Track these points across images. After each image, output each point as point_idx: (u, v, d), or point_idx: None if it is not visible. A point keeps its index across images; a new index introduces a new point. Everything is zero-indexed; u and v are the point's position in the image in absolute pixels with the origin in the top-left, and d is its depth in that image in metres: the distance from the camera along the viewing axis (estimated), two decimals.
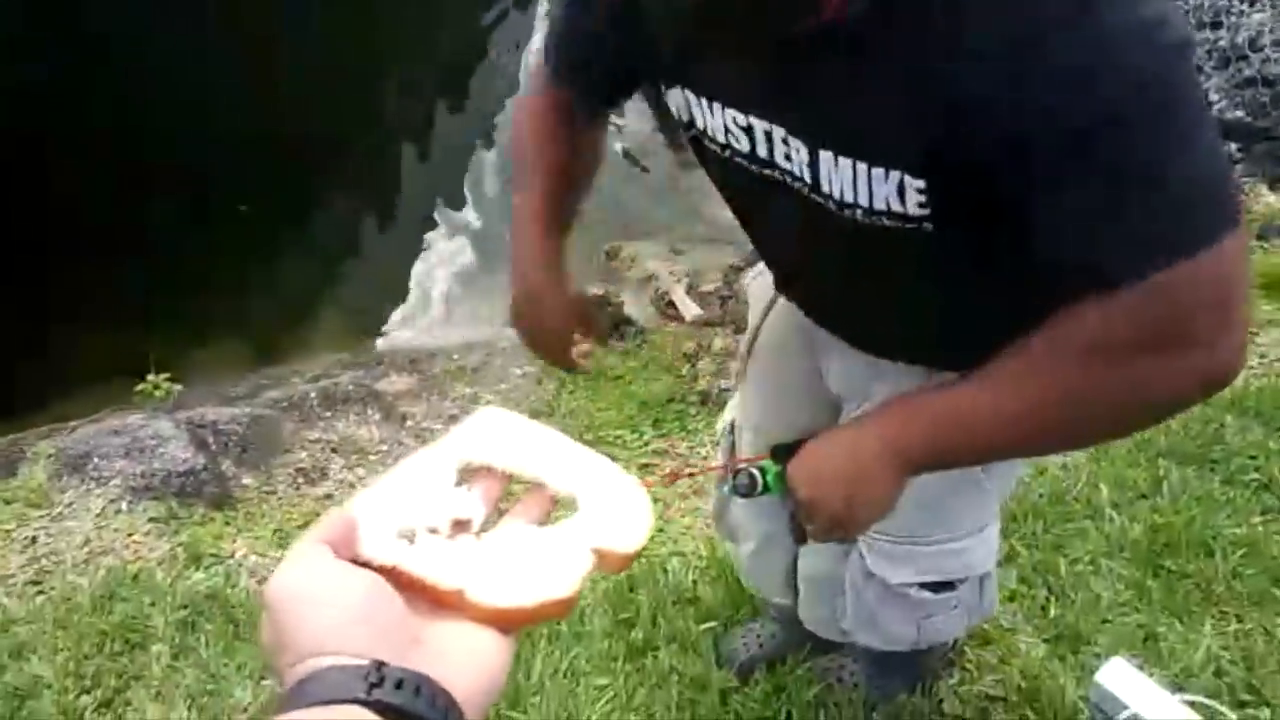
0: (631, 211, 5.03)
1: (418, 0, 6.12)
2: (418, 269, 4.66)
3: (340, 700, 0.42)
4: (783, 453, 1.45)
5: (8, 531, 2.30)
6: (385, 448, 2.99)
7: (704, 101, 0.98)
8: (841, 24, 0.80)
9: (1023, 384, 0.88)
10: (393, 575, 0.48)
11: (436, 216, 4.93)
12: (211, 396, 3.39)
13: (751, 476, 1.47)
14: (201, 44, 5.31)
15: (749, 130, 0.95)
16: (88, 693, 1.81)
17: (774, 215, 1.06)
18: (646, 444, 2.82)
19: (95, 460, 2.59)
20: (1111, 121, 0.76)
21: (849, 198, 0.90)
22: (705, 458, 2.64)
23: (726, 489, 1.54)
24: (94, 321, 4.04)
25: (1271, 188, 3.90)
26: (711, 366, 3.18)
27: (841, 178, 0.89)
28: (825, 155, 0.90)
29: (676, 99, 1.01)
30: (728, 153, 1.00)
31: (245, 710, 1.77)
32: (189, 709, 1.77)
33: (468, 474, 0.55)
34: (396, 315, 4.40)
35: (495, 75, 5.74)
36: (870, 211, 0.89)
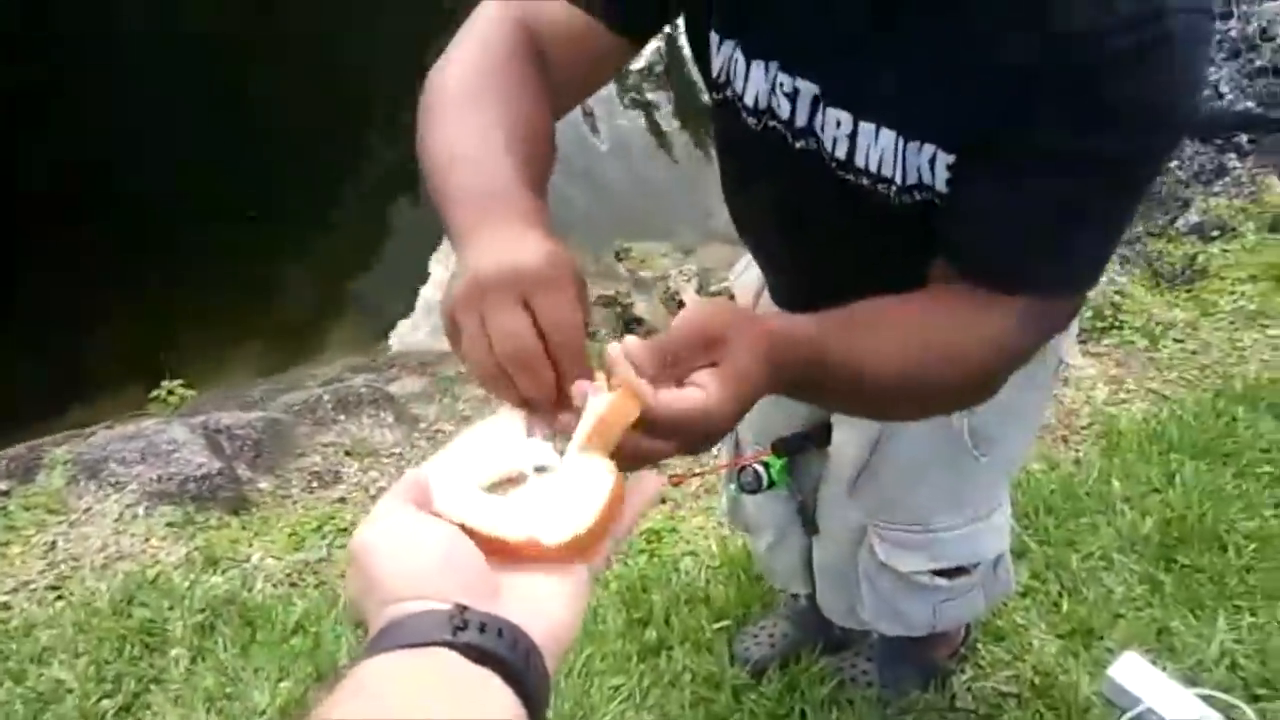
0: (640, 211, 5.04)
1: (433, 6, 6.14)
2: (428, 269, 4.67)
3: (427, 643, 0.44)
4: (783, 447, 1.46)
5: (27, 538, 2.33)
6: (399, 450, 3.00)
7: (758, 64, 0.94)
8: None
9: (895, 341, 0.85)
10: (468, 531, 0.51)
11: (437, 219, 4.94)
12: (225, 401, 3.42)
13: (756, 473, 1.49)
14: (213, 44, 5.33)
15: (793, 95, 0.93)
16: (109, 697, 1.83)
17: (791, 197, 1.04)
18: None
19: (112, 466, 2.61)
20: (1119, 149, 0.78)
21: (887, 172, 0.89)
22: (715, 456, 2.64)
23: (734, 486, 1.55)
24: (108, 329, 4.08)
25: None
26: None
27: (881, 150, 0.89)
28: (865, 126, 0.89)
29: (725, 53, 0.96)
30: (765, 119, 0.97)
31: (263, 713, 1.79)
32: (208, 712, 1.79)
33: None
34: (408, 317, 4.42)
35: None
36: (903, 188, 0.89)
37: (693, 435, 0.66)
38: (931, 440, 1.25)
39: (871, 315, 0.86)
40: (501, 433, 0.57)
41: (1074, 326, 1.23)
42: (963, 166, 0.85)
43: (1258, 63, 4.41)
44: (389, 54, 5.80)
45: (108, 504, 2.46)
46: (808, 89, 0.93)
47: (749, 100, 0.98)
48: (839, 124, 0.91)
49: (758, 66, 0.95)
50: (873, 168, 0.91)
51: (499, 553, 0.51)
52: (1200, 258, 3.24)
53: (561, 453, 0.59)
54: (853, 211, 0.94)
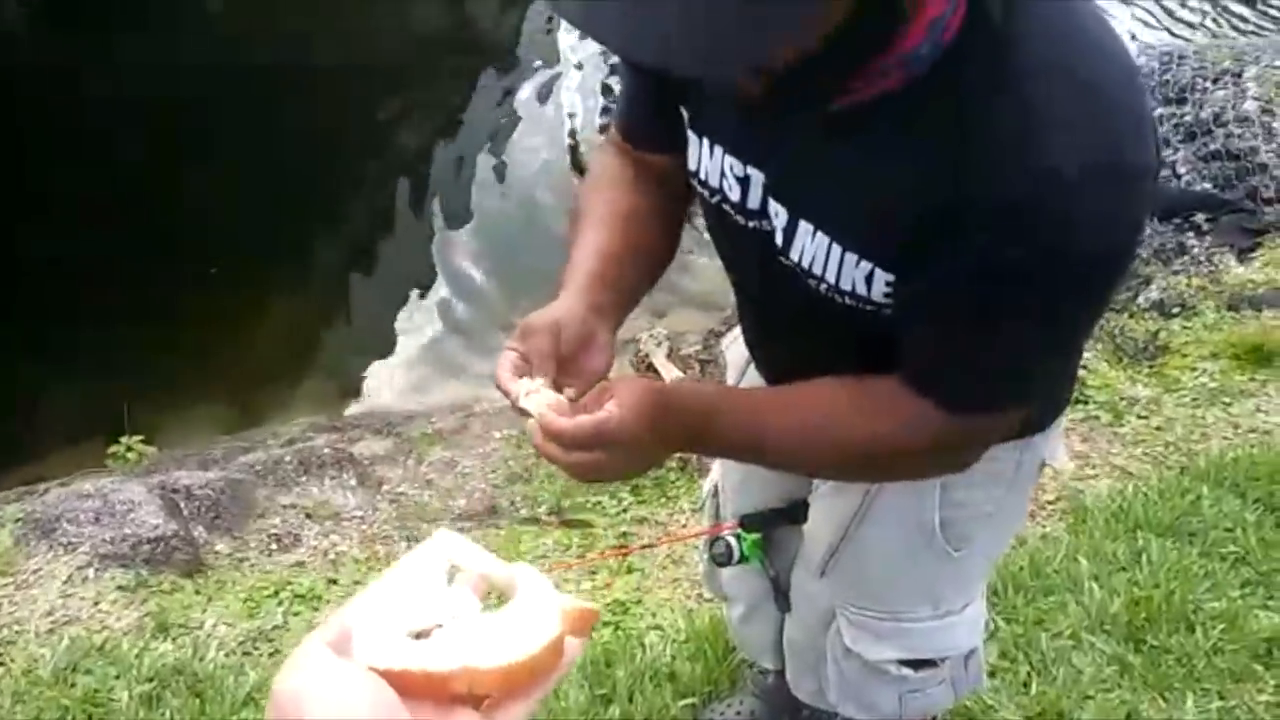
0: None
1: (402, 56, 6.20)
2: (393, 330, 4.65)
3: None
4: (752, 523, 1.45)
5: None
6: (360, 513, 2.95)
7: (706, 142, 0.99)
8: (860, 109, 0.82)
9: (799, 417, 0.98)
10: (394, 678, 0.48)
11: (412, 280, 4.93)
12: (185, 459, 3.35)
13: (728, 545, 1.47)
14: (176, 98, 5.32)
15: (745, 181, 0.96)
16: None
17: (751, 271, 1.09)
18: (625, 510, 2.80)
19: (64, 525, 2.54)
20: (1044, 270, 0.80)
21: (817, 271, 0.92)
22: (684, 525, 2.62)
23: (708, 557, 1.53)
24: (68, 382, 4.00)
25: (1239, 259, 3.97)
26: None
27: (815, 251, 0.91)
28: (804, 226, 0.92)
29: (684, 130, 1.01)
30: (717, 199, 1.00)
31: None
32: None
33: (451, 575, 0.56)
34: (372, 377, 4.38)
35: (481, 134, 5.80)
36: (835, 289, 0.92)
37: (587, 443, 0.89)
38: (905, 531, 1.24)
39: (791, 392, 1.00)
40: (424, 578, 0.54)
41: (1059, 427, 1.22)
42: (900, 282, 0.88)
43: (1211, 146, 4.54)
44: (356, 107, 5.84)
45: (58, 565, 2.38)
46: (758, 176, 0.95)
47: (702, 176, 1.01)
48: (778, 215, 0.94)
49: (705, 147, 0.99)
50: (805, 264, 0.93)
51: (429, 694, 0.49)
52: (1162, 334, 3.30)
53: None
54: (804, 296, 0.96)
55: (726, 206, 1.00)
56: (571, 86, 6.08)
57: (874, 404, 0.95)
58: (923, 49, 0.77)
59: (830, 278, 0.91)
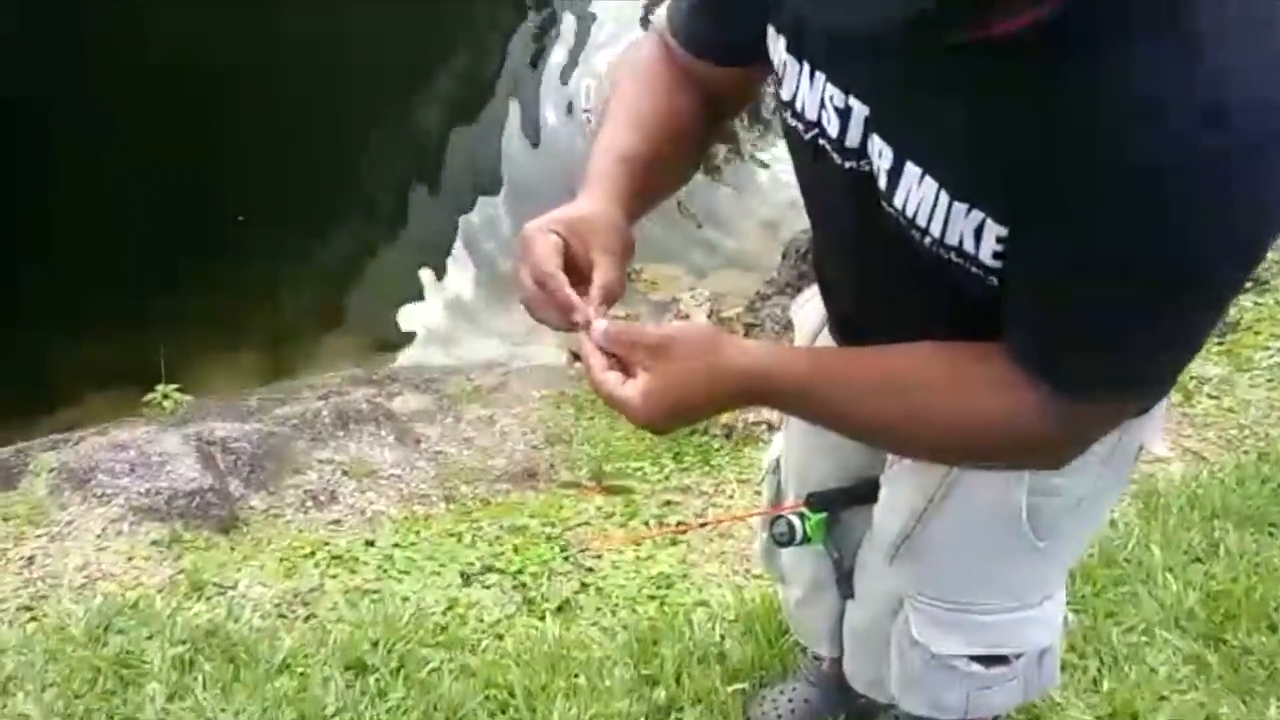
0: (654, 233, 4.95)
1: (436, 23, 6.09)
2: (431, 285, 4.58)
3: None
4: (819, 501, 1.36)
5: (4, 551, 2.21)
6: (398, 471, 2.89)
7: (807, 68, 0.86)
8: (995, 44, 0.68)
9: (905, 397, 0.87)
10: None
11: (449, 236, 4.86)
12: (222, 410, 3.30)
13: (790, 525, 1.38)
14: (207, 51, 5.25)
15: (845, 113, 0.84)
16: None
17: (846, 221, 0.96)
18: (668, 478, 2.71)
19: (99, 476, 2.49)
20: (1188, 264, 0.70)
21: (921, 221, 0.80)
22: (730, 497, 2.53)
23: (766, 536, 1.45)
24: (103, 330, 3.98)
25: None
26: None
27: (922, 197, 0.80)
28: (911, 169, 0.80)
29: (780, 55, 0.89)
30: (813, 133, 0.88)
31: None
32: None
33: None
34: (410, 331, 4.32)
35: (513, 90, 5.69)
36: (940, 243, 0.80)
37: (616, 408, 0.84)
38: (986, 519, 1.14)
39: (882, 354, 0.89)
40: None
41: (1160, 410, 1.11)
42: (1015, 241, 0.76)
43: None
44: (390, 57, 5.74)
45: (92, 518, 2.35)
46: (860, 109, 0.83)
47: (798, 107, 0.88)
48: (882, 155, 0.82)
49: (805, 74, 0.86)
50: (909, 213, 0.81)
51: None
52: (1232, 309, 3.14)
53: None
54: (906, 252, 0.84)
55: (824, 143, 0.87)
56: (599, 46, 5.94)
57: (979, 379, 0.84)
58: None
59: (936, 230, 0.80)
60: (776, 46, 0.89)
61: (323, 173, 4.95)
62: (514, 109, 5.52)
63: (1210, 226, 0.67)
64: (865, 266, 1.00)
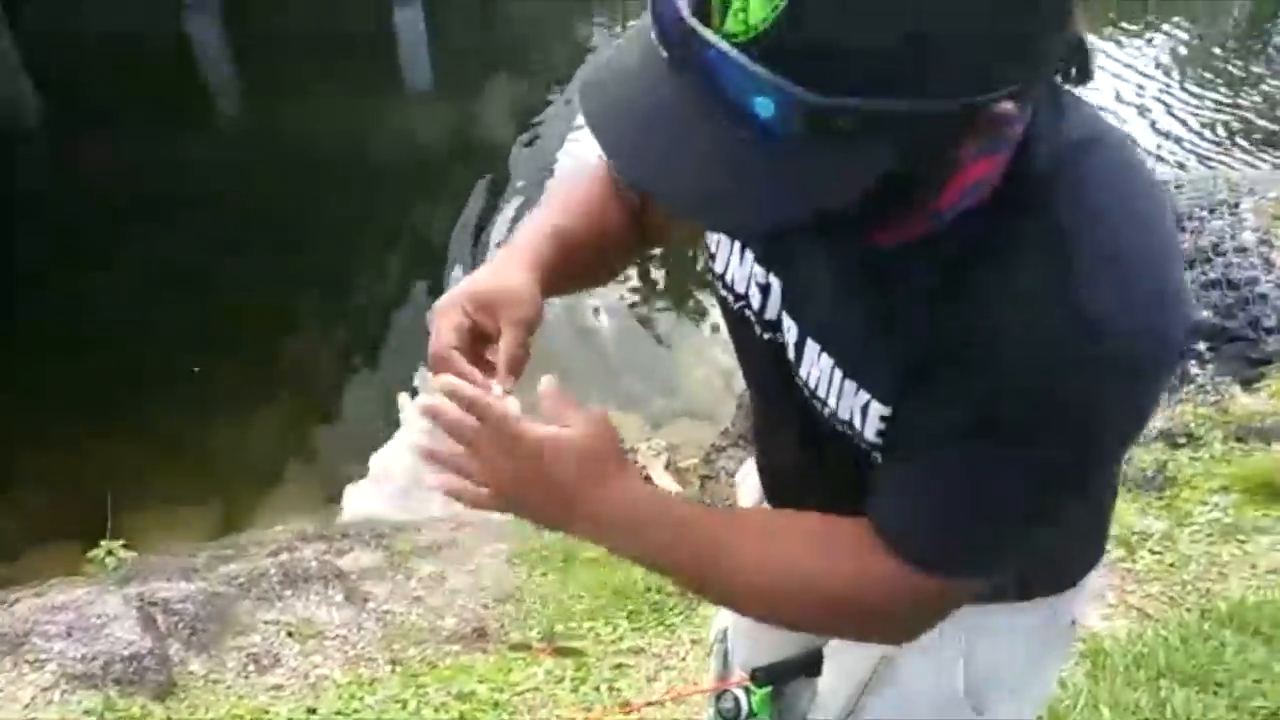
0: (611, 384, 5.03)
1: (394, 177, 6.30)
2: (384, 435, 4.58)
3: None
4: (764, 675, 1.36)
5: None
6: (344, 632, 2.83)
7: (738, 245, 0.93)
8: (884, 252, 0.76)
9: (771, 556, 0.85)
10: None
11: (404, 385, 4.89)
12: (167, 567, 3.23)
13: (736, 700, 1.37)
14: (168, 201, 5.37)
15: (765, 289, 0.91)
16: None
17: (766, 386, 1.02)
18: (621, 638, 2.68)
19: (33, 640, 2.42)
20: (1052, 448, 0.73)
21: (821, 394, 0.87)
22: (683, 659, 2.50)
23: (713, 711, 1.44)
24: (47, 483, 3.91)
25: (1244, 388, 3.95)
26: None
27: (820, 372, 0.87)
28: (811, 345, 0.87)
29: (714, 232, 0.96)
30: (740, 305, 0.95)
31: None
32: None
33: None
34: (362, 483, 4.29)
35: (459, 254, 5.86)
36: (835, 416, 0.86)
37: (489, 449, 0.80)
38: (926, 692, 1.15)
39: (762, 516, 0.94)
40: None
41: (1089, 583, 1.15)
42: (894, 419, 0.81)
43: (1210, 275, 4.58)
44: (337, 215, 5.89)
45: (22, 685, 2.26)
46: (776, 286, 0.90)
47: (729, 280, 0.96)
48: (789, 330, 0.89)
49: (737, 251, 0.93)
50: (811, 385, 0.88)
51: None
52: (1170, 465, 3.24)
53: None
54: (812, 422, 0.89)
55: (749, 314, 0.94)
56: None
57: (840, 541, 0.85)
58: (961, 204, 0.72)
59: (832, 403, 0.86)
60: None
61: (277, 325, 5.01)
62: (458, 272, 5.67)
63: (1082, 409, 0.72)
64: (785, 430, 1.05)
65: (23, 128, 5.27)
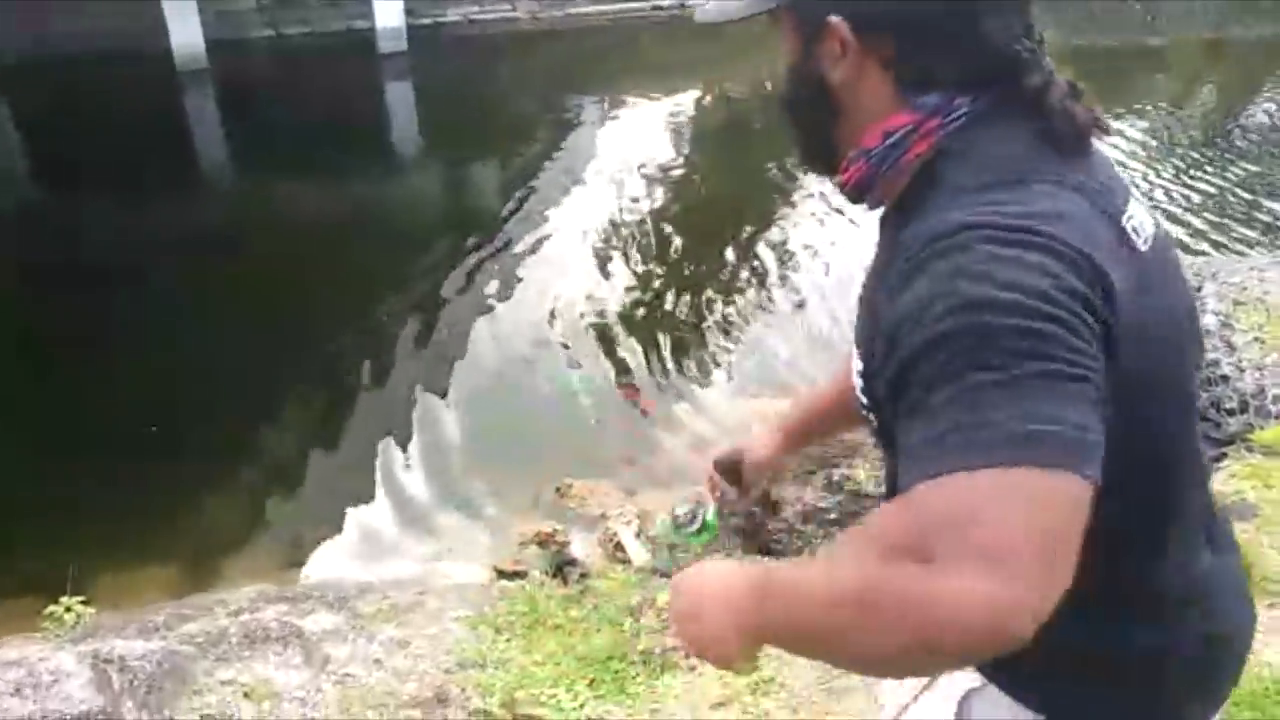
0: (586, 450, 5.04)
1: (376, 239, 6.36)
2: (350, 497, 4.58)
3: None
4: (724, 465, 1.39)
5: None
6: (301, 694, 2.79)
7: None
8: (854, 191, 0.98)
9: (835, 570, 0.83)
10: None
11: (372, 448, 4.90)
12: (125, 625, 3.19)
13: (694, 512, 1.41)
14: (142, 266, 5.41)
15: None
16: None
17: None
18: (581, 706, 2.66)
19: None
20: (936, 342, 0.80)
21: (863, 400, 0.99)
22: None
23: (666, 518, 1.51)
24: (8, 539, 3.87)
25: None
26: (656, 623, 3.07)
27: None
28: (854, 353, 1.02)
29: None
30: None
31: None
32: None
33: None
34: (327, 544, 4.26)
35: (449, 318, 5.90)
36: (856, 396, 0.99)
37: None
38: None
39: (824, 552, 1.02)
40: None
41: None
42: (863, 375, 0.95)
43: None
44: (311, 279, 5.94)
45: None
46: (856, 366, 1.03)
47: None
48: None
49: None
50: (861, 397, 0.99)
51: None
52: None
53: None
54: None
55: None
56: (552, 263, 6.23)
57: (871, 530, 0.85)
58: (886, 151, 0.89)
59: (857, 384, 0.99)
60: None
61: (246, 386, 5.01)
62: (452, 328, 5.70)
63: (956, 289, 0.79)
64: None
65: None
